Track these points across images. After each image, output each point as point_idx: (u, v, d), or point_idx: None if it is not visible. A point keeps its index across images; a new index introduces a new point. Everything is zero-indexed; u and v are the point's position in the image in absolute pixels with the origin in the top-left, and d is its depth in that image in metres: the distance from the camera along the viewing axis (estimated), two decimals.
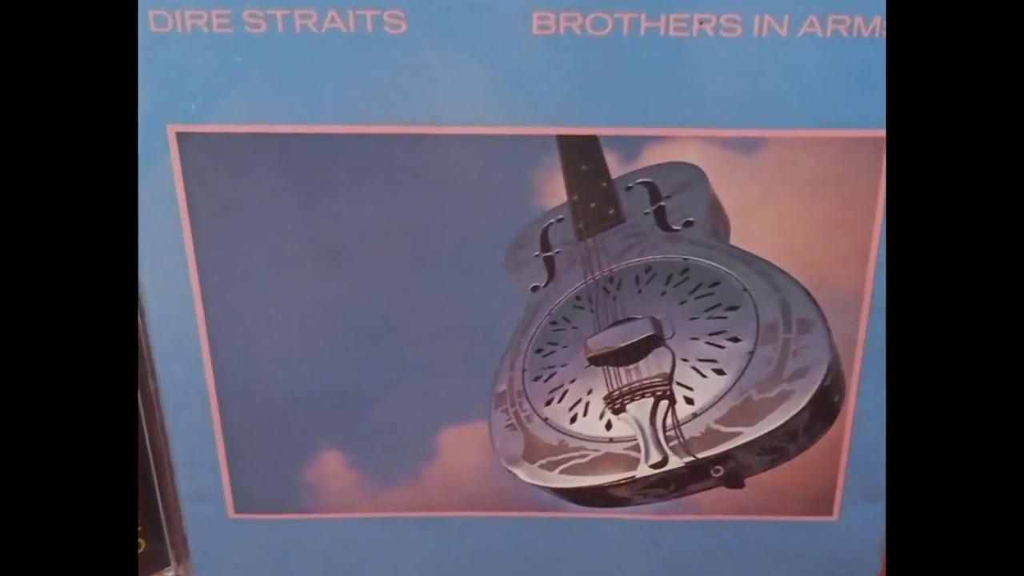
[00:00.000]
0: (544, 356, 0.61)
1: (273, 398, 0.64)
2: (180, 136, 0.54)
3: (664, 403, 0.60)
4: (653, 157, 0.57)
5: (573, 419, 0.61)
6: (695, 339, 0.60)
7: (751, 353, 0.59)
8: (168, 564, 0.65)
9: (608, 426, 0.61)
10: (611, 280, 0.60)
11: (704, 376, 0.60)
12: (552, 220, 0.59)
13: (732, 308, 0.59)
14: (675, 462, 0.60)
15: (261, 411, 0.64)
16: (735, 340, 0.59)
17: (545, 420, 0.62)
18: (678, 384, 0.60)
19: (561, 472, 0.61)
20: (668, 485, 0.61)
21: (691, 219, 0.59)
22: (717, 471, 0.60)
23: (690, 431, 0.60)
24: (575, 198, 0.59)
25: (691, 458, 0.60)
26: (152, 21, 0.51)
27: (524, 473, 0.62)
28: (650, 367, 0.60)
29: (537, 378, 0.62)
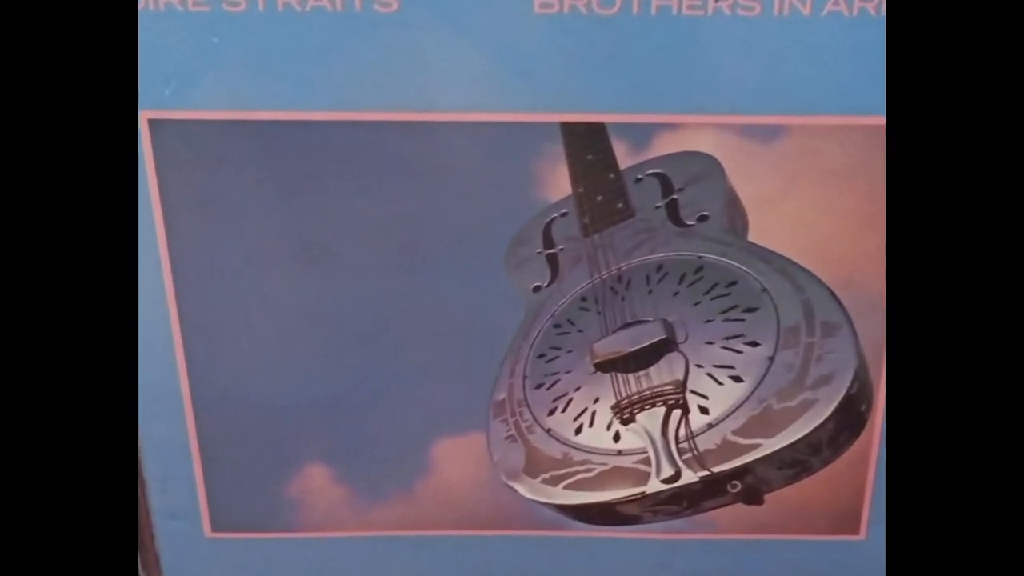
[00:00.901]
0: (547, 362, 0.61)
1: (253, 407, 0.63)
2: (153, 124, 0.54)
3: (677, 413, 0.60)
4: (665, 146, 0.57)
5: (578, 430, 0.61)
6: (710, 343, 0.59)
7: (771, 359, 0.59)
8: None
9: (616, 438, 0.61)
10: (619, 279, 0.60)
11: (720, 383, 0.59)
12: (555, 214, 0.59)
13: (750, 310, 0.59)
14: (688, 477, 0.60)
15: (240, 421, 0.64)
16: (754, 344, 0.59)
17: (548, 431, 0.61)
18: (692, 392, 0.60)
19: (565, 487, 0.61)
20: (681, 501, 0.61)
21: (706, 213, 0.59)
22: (734, 486, 0.60)
23: (705, 443, 0.59)
24: (580, 190, 0.58)
25: (706, 472, 0.59)
26: None
27: (525, 488, 0.62)
28: (661, 374, 0.60)
29: (539, 386, 0.61)
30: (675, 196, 0.59)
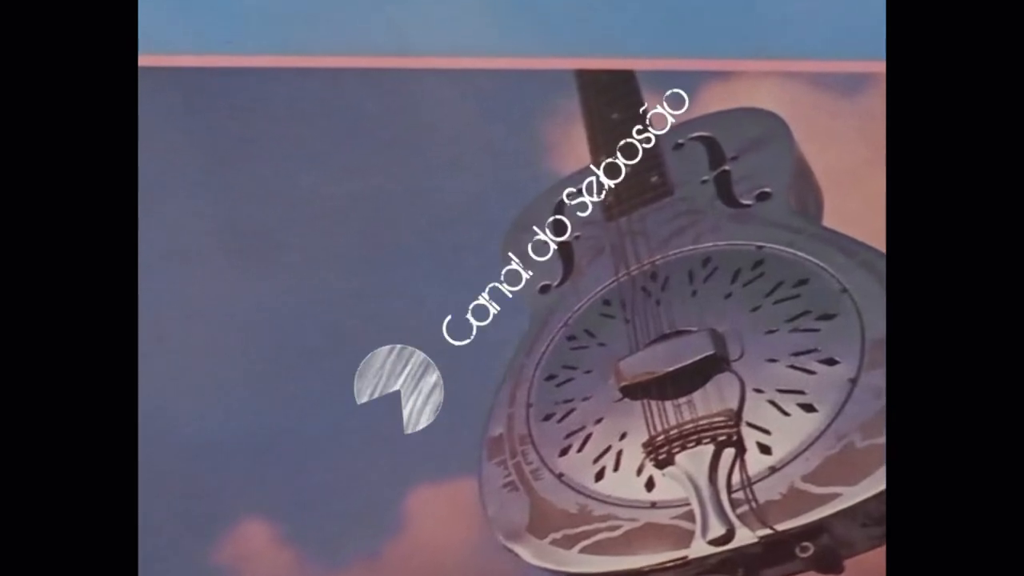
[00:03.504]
0: (558, 385, 0.61)
1: (174, 444, 0.62)
2: None
3: (729, 452, 0.59)
4: (714, 101, 0.57)
5: (599, 475, 0.60)
6: (773, 361, 0.59)
7: (853, 381, 0.58)
8: None
9: (649, 485, 0.60)
10: (653, 277, 0.60)
11: (786, 414, 0.58)
12: (569, 191, 0.59)
13: (826, 317, 0.59)
14: (745, 537, 0.58)
15: (157, 463, 0.62)
16: (830, 362, 0.58)
17: (559, 477, 0.60)
18: (749, 425, 0.59)
19: (582, 551, 0.60)
20: (735, 569, 0.59)
21: (767, 190, 0.59)
22: (805, 550, 0.58)
23: (766, 492, 0.58)
24: (603, 159, 0.58)
25: (768, 531, 0.58)
26: None
27: (529, 552, 0.61)
28: (709, 401, 0.59)
29: (548, 417, 0.61)
30: (727, 167, 0.59)
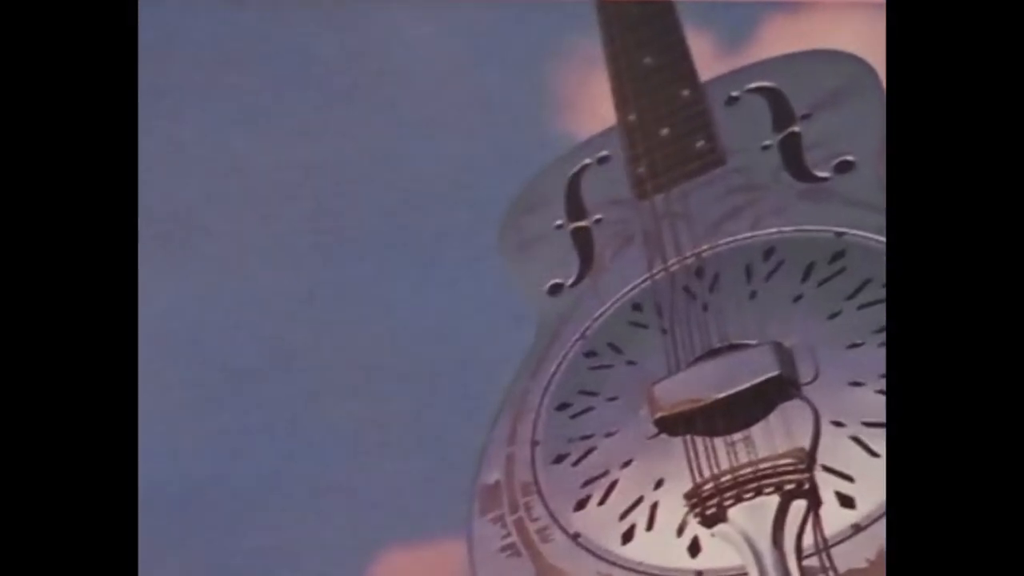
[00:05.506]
0: (573, 417, 0.58)
1: None
2: None
3: (799, 505, 0.53)
4: (778, 40, 0.55)
5: (628, 536, 0.55)
6: (858, 384, 0.54)
7: None
8: None
9: (694, 549, 0.54)
10: (699, 273, 0.58)
11: (875, 455, 0.53)
12: (588, 160, 0.56)
13: None
14: None
15: None
16: None
17: (575, 538, 0.56)
18: (826, 470, 0.54)
19: None
20: None
21: (850, 158, 0.58)
22: None
23: (849, 558, 0.52)
24: (632, 118, 0.55)
25: None
26: None
27: None
28: (773, 438, 0.55)
29: (560, 458, 0.58)
30: (796, 128, 0.59)
